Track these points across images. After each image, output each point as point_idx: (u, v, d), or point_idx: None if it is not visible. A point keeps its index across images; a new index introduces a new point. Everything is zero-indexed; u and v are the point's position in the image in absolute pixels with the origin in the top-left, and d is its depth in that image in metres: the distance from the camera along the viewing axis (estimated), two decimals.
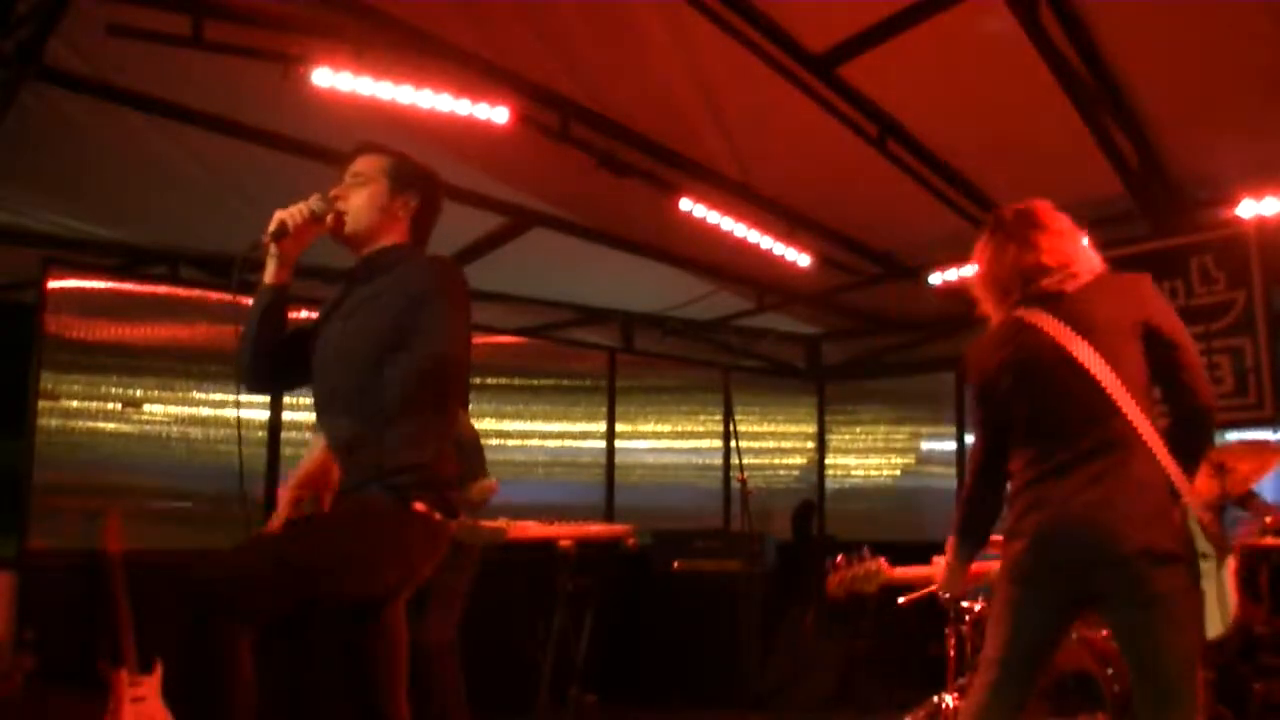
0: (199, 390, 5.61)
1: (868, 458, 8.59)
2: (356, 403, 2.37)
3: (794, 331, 8.18)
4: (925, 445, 8.45)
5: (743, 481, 5.29)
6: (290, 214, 2.42)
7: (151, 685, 4.16)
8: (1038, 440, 2.47)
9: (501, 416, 6.99)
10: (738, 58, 4.15)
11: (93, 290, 5.40)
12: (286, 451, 5.82)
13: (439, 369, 2.34)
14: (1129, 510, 2.30)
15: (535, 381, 7.32)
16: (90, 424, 5.26)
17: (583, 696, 4.14)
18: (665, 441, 7.99)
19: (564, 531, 3.97)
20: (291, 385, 2.70)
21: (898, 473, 8.51)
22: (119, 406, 5.35)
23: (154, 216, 5.54)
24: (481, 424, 6.35)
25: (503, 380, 7.09)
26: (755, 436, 8.38)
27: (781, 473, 8.55)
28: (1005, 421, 2.54)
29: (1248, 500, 4.42)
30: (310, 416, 5.60)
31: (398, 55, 4.14)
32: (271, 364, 2.52)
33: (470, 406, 5.81)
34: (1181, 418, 2.40)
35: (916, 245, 6.23)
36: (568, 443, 7.39)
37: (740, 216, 5.48)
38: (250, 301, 2.51)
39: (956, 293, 6.37)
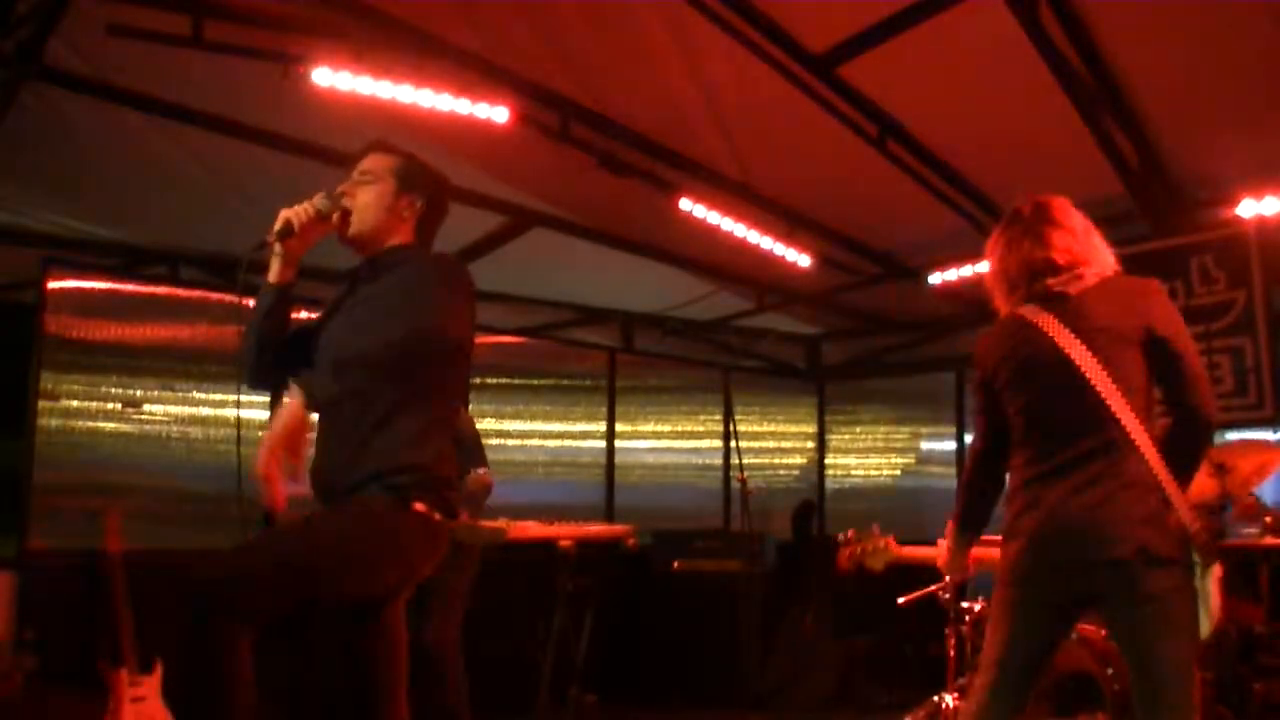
0: (199, 390, 5.62)
1: (868, 458, 8.59)
2: (357, 401, 2.37)
3: (794, 331, 8.18)
4: (925, 445, 8.45)
5: (743, 481, 5.29)
6: (296, 212, 2.41)
7: (151, 685, 4.16)
8: (1035, 439, 2.49)
9: (501, 416, 7.00)
10: (738, 58, 4.15)
11: (93, 290, 5.40)
12: None
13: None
14: (1126, 512, 2.31)
15: (535, 381, 7.32)
16: (90, 424, 5.26)
17: (583, 696, 4.14)
18: (665, 441, 7.99)
19: (564, 531, 3.97)
20: None
21: (898, 473, 8.51)
22: (119, 406, 5.36)
23: (154, 216, 5.53)
24: (482, 424, 6.34)
25: (503, 380, 7.09)
26: (755, 436, 8.38)
27: (781, 473, 8.56)
28: (1003, 416, 2.58)
29: (1245, 505, 4.43)
30: (310, 416, 5.62)
31: (398, 55, 4.14)
32: (274, 362, 2.52)
33: (470, 406, 5.82)
34: (1180, 425, 2.40)
35: (916, 245, 6.22)
36: (568, 443, 7.39)
37: (740, 216, 5.48)
38: (253, 303, 2.51)
39: (956, 293, 6.38)
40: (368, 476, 2.32)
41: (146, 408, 5.47)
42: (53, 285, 5.13)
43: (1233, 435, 5.58)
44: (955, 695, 4.02)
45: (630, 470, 7.66)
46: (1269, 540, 4.19)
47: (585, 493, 7.34)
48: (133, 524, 4.65)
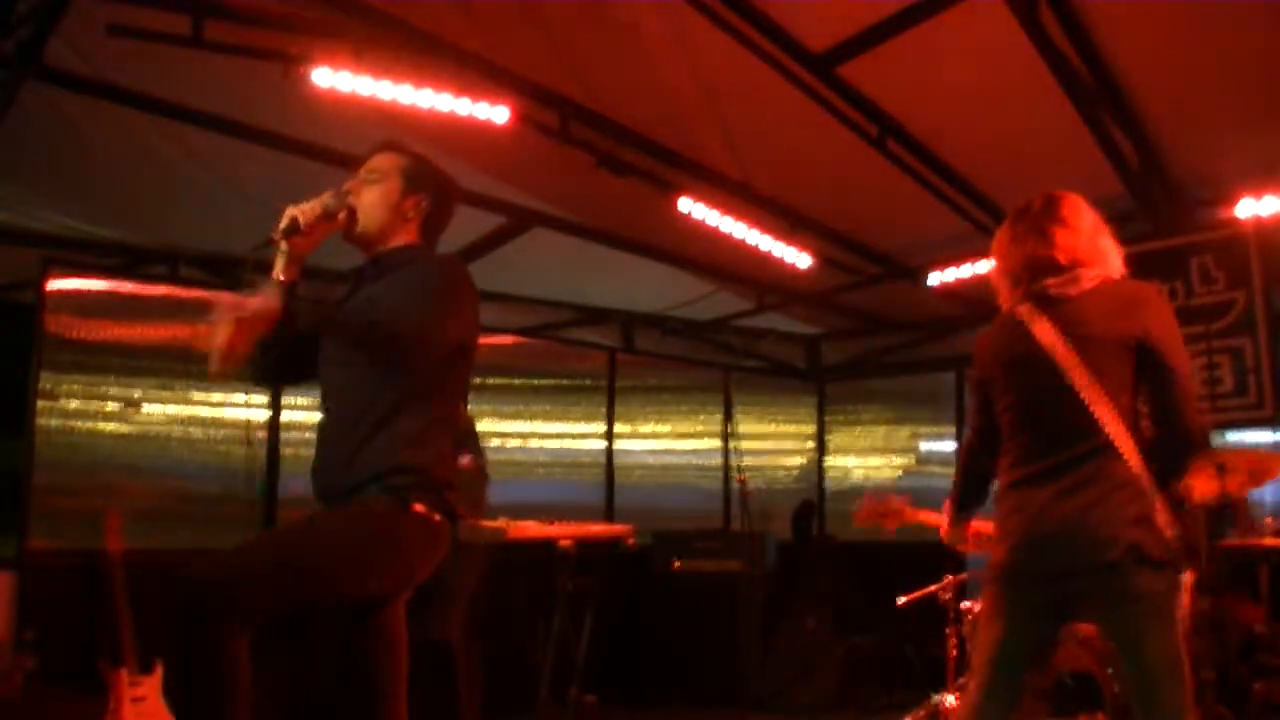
0: (199, 390, 5.62)
1: (868, 458, 8.59)
2: (360, 400, 2.37)
3: (794, 331, 8.18)
4: (925, 445, 8.45)
5: (743, 481, 5.30)
6: (302, 210, 2.41)
7: (151, 685, 4.16)
8: (1025, 439, 2.50)
9: (501, 416, 7.00)
10: (738, 57, 4.15)
11: (93, 290, 5.40)
12: (286, 451, 5.82)
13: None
14: (1117, 514, 2.32)
15: (535, 381, 7.32)
16: (90, 424, 5.26)
17: (583, 696, 4.14)
18: (665, 441, 7.99)
19: (564, 531, 3.97)
20: (299, 380, 2.71)
21: (898, 473, 8.50)
22: (119, 406, 5.36)
23: (154, 216, 5.53)
24: (481, 424, 6.34)
25: (503, 380, 7.09)
26: (755, 436, 8.38)
27: (781, 473, 8.56)
28: (993, 413, 2.60)
29: (1239, 508, 4.44)
30: (311, 416, 5.62)
31: (398, 55, 4.13)
32: (279, 359, 2.53)
33: (470, 406, 5.81)
34: (1163, 441, 2.40)
35: (916, 245, 6.22)
36: (568, 443, 7.39)
37: (740, 216, 5.48)
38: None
39: (956, 293, 6.38)
40: (368, 477, 2.33)
41: (146, 408, 5.47)
42: (53, 285, 5.13)
43: (1233, 435, 5.58)
44: (955, 695, 4.03)
45: (630, 470, 7.66)
46: (1269, 540, 4.19)
47: (585, 493, 7.33)
48: (133, 524, 4.65)
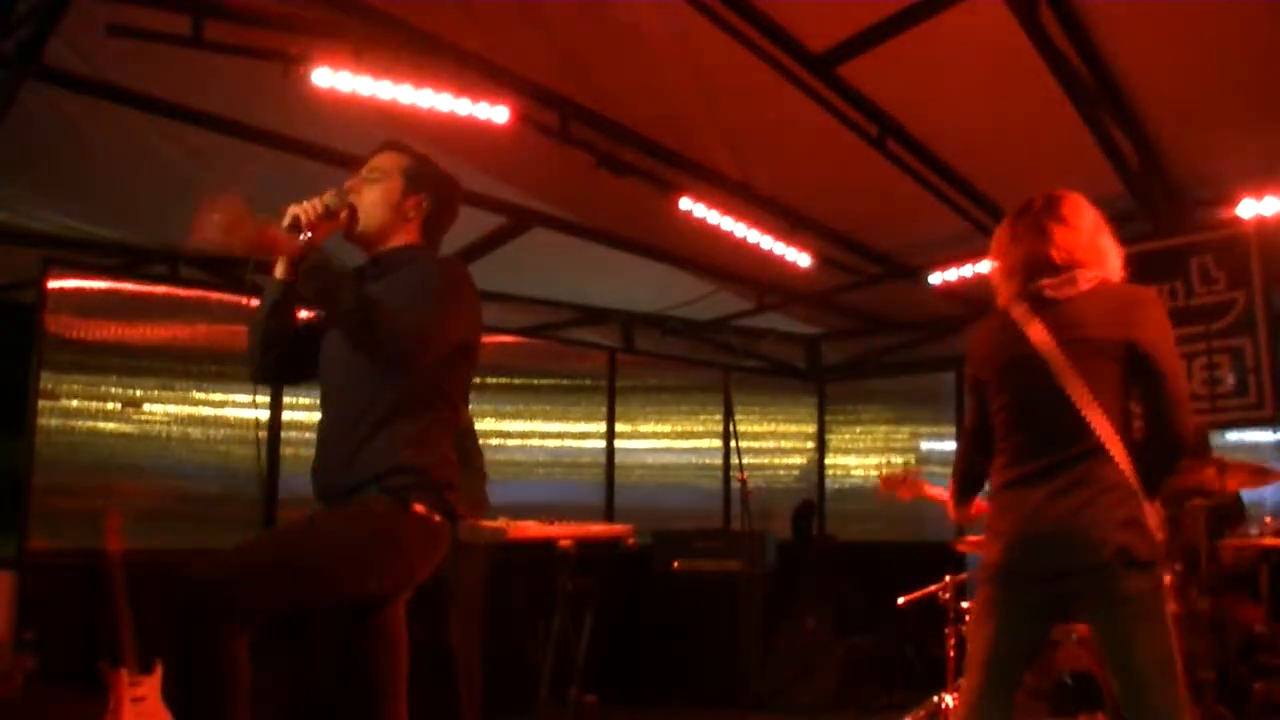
0: (199, 390, 5.62)
1: (868, 458, 8.58)
2: (361, 400, 2.37)
3: (794, 331, 8.18)
4: (925, 445, 8.44)
5: (743, 481, 5.29)
6: (304, 208, 2.40)
7: (151, 685, 4.16)
8: (1018, 440, 2.51)
9: (501, 416, 7.00)
10: (738, 58, 4.15)
11: (93, 290, 5.40)
12: (286, 451, 5.82)
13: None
14: (1107, 516, 2.32)
15: (535, 381, 7.32)
16: (90, 424, 5.26)
17: (583, 696, 4.14)
18: (665, 441, 7.99)
19: (564, 531, 3.97)
20: (300, 380, 2.70)
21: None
22: (119, 406, 5.35)
23: (154, 216, 5.53)
24: (481, 424, 6.35)
25: (503, 380, 7.09)
26: (755, 436, 8.38)
27: (781, 473, 8.55)
28: (986, 412, 2.61)
29: (1235, 509, 4.44)
30: (311, 416, 5.62)
31: (398, 55, 4.13)
32: (281, 358, 2.53)
33: (470, 406, 5.81)
34: (1152, 445, 2.41)
35: (916, 245, 6.22)
36: (568, 443, 7.39)
37: (740, 216, 5.48)
38: (258, 302, 2.52)
39: (956, 293, 6.38)
40: (368, 477, 2.33)
41: (146, 408, 5.47)
42: (53, 285, 5.12)
43: (1233, 435, 5.58)
44: (955, 695, 4.03)
45: (630, 470, 7.66)
46: (1269, 540, 4.19)
47: (585, 493, 7.33)
48: (133, 524, 4.66)
